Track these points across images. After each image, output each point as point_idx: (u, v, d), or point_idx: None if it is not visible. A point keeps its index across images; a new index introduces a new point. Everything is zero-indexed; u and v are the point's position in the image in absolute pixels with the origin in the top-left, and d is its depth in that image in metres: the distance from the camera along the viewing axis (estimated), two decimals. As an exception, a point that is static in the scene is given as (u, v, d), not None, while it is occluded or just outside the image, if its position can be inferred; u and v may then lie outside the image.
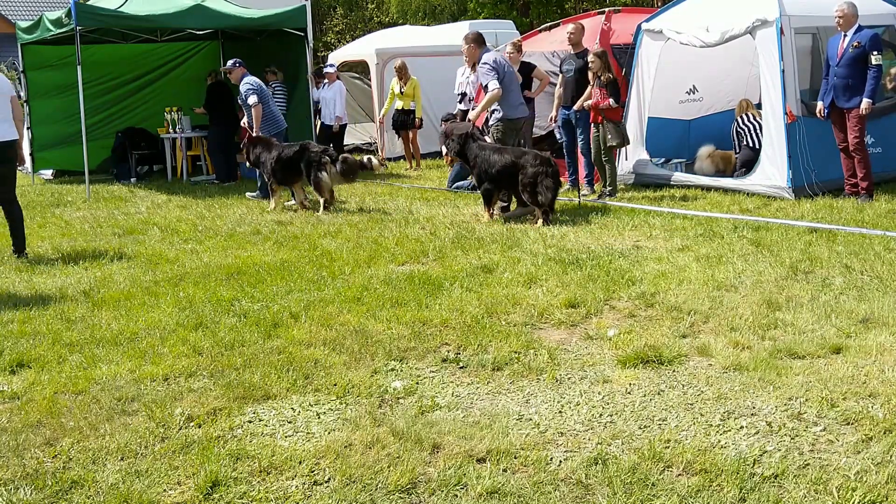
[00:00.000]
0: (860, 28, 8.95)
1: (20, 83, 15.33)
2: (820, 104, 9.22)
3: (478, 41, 9.54)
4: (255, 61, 14.72)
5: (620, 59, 10.95)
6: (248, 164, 11.19)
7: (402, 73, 14.13)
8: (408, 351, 4.95)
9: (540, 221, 8.68)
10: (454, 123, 11.88)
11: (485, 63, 9.19)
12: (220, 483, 3.43)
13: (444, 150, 11.54)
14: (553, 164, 8.89)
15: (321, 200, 10.13)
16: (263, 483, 3.45)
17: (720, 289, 5.92)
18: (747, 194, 9.61)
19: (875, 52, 8.81)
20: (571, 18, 12.64)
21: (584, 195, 10.20)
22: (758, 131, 10.24)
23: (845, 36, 8.98)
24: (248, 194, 11.59)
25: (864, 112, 8.88)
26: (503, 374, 4.57)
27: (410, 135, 14.60)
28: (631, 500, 3.23)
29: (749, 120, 10.50)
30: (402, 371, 4.67)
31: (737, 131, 10.65)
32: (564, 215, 9.09)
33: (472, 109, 11.07)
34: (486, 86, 9.09)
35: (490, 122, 9.77)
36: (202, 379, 4.61)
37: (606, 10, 11.94)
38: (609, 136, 9.93)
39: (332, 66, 14.45)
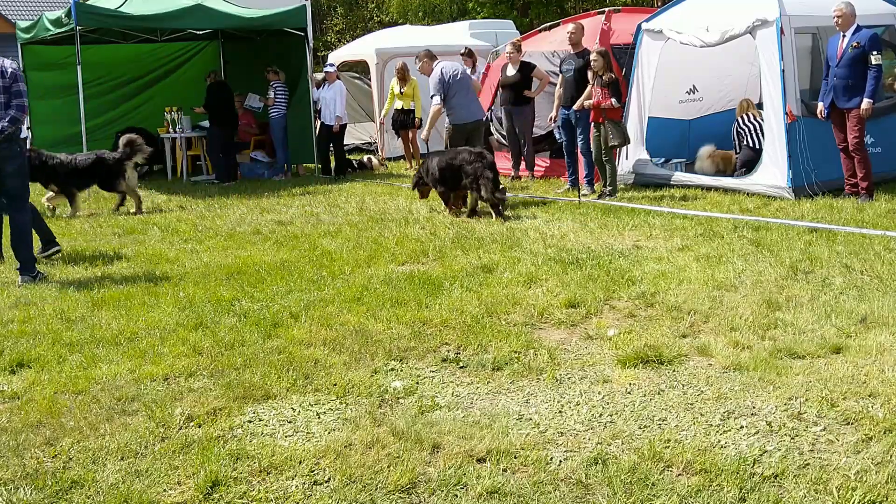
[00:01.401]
0: (859, 28, 8.95)
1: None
2: (820, 105, 9.22)
3: (430, 56, 10.46)
4: (255, 61, 14.76)
5: (620, 59, 10.95)
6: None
7: (403, 74, 14.13)
8: (408, 351, 4.95)
9: (494, 217, 8.96)
10: None
11: (433, 77, 10.02)
12: (220, 483, 3.43)
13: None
14: (487, 156, 9.26)
15: (135, 202, 10.85)
16: (263, 483, 3.46)
17: (720, 289, 5.93)
18: (747, 194, 9.61)
19: (875, 52, 8.81)
20: (571, 18, 12.65)
21: (584, 195, 10.20)
22: (758, 131, 10.24)
23: (844, 36, 8.98)
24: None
25: (864, 112, 8.87)
26: (503, 374, 4.57)
27: (410, 135, 14.59)
28: (631, 500, 3.23)
29: (750, 120, 10.50)
30: (402, 371, 4.67)
31: (737, 131, 10.65)
32: (565, 215, 9.09)
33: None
34: (432, 98, 9.94)
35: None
36: (202, 379, 4.61)
37: (606, 10, 11.95)
38: (610, 136, 9.93)
39: (331, 65, 14.45)
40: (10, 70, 6.75)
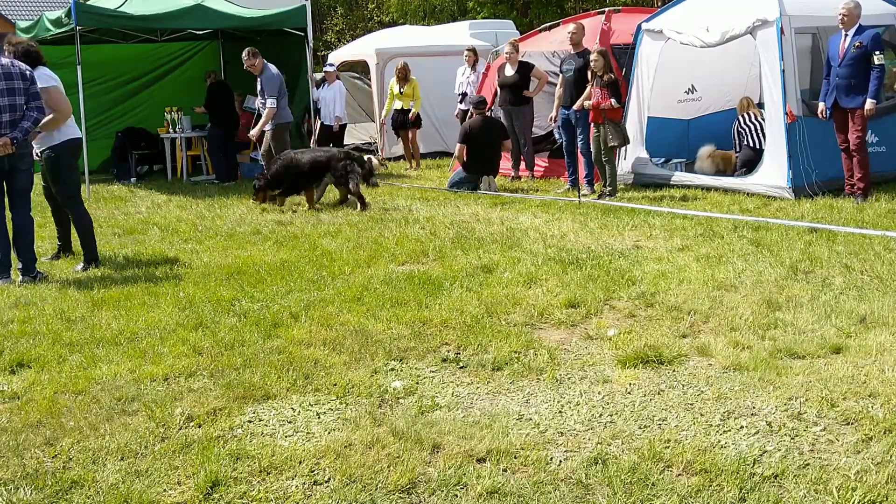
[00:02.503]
0: (861, 28, 8.93)
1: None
2: (821, 105, 9.20)
3: (255, 53, 11.34)
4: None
5: (620, 59, 10.95)
6: None
7: (404, 74, 14.13)
8: (408, 351, 4.95)
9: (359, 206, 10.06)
10: (474, 119, 11.57)
11: (276, 79, 11.10)
12: (220, 483, 3.43)
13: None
14: (355, 155, 10.42)
15: None
16: (263, 483, 3.46)
17: (720, 289, 5.92)
18: (747, 194, 9.61)
19: (877, 53, 8.78)
20: (571, 18, 12.65)
21: (584, 195, 10.20)
22: (759, 131, 10.23)
23: (846, 35, 8.96)
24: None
25: (868, 113, 8.85)
26: (503, 374, 4.57)
27: (410, 135, 14.60)
28: (631, 500, 3.23)
29: (751, 119, 10.47)
30: (402, 371, 4.67)
31: (738, 130, 10.62)
32: (565, 215, 9.09)
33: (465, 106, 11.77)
34: (266, 100, 11.01)
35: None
36: (202, 379, 4.61)
37: (606, 10, 11.95)
38: (610, 137, 9.93)
39: (331, 65, 14.44)
40: (28, 73, 6.92)
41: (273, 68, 11.26)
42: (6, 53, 7.19)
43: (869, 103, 8.82)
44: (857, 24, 8.92)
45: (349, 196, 10.38)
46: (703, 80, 11.64)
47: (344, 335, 5.22)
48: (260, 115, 14.88)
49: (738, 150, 10.64)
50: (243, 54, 11.41)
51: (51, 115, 7.08)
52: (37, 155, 7.33)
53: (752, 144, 10.37)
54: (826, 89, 9.17)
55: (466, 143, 11.18)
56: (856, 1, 8.91)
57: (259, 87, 11.34)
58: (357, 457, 3.61)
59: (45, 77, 7.16)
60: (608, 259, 6.90)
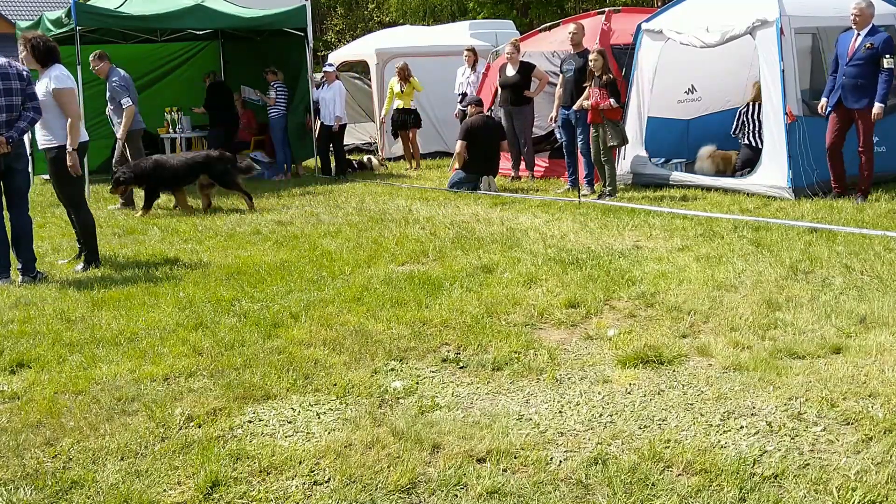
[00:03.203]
0: (874, 29, 8.89)
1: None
2: (823, 101, 9.16)
3: (102, 57, 10.93)
4: (255, 61, 14.76)
5: (620, 59, 10.96)
6: None
7: (404, 74, 14.13)
8: (408, 351, 4.95)
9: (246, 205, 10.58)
10: (475, 117, 11.55)
11: (117, 81, 10.65)
12: (220, 483, 3.43)
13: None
14: (229, 156, 10.89)
15: None
16: (263, 483, 3.46)
17: (720, 289, 5.92)
18: (747, 194, 9.61)
19: (888, 56, 8.71)
20: (571, 18, 12.65)
21: (584, 195, 10.20)
22: (759, 130, 10.20)
23: (858, 35, 8.91)
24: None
25: (875, 117, 8.81)
26: (503, 374, 4.57)
27: (410, 135, 14.60)
28: (631, 500, 3.23)
29: (757, 115, 10.32)
30: (402, 371, 4.67)
31: (742, 121, 10.50)
32: (564, 215, 9.09)
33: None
34: (121, 102, 10.61)
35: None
36: (202, 379, 4.61)
37: (606, 10, 11.96)
38: (609, 136, 9.93)
39: (331, 65, 14.45)
40: (25, 73, 6.99)
41: (122, 71, 10.82)
42: (21, 48, 7.27)
43: (877, 107, 8.77)
44: (871, 25, 8.88)
45: (238, 193, 10.80)
46: (703, 80, 11.63)
47: (344, 335, 5.22)
48: (252, 105, 14.92)
49: (734, 132, 10.55)
50: (90, 56, 10.93)
51: (70, 122, 7.11)
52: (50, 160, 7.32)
53: (751, 143, 10.34)
54: (831, 86, 9.12)
55: (468, 141, 11.17)
56: (868, 0, 8.87)
57: (108, 94, 10.86)
58: (357, 457, 3.61)
59: (64, 78, 7.22)
60: (608, 259, 6.90)
